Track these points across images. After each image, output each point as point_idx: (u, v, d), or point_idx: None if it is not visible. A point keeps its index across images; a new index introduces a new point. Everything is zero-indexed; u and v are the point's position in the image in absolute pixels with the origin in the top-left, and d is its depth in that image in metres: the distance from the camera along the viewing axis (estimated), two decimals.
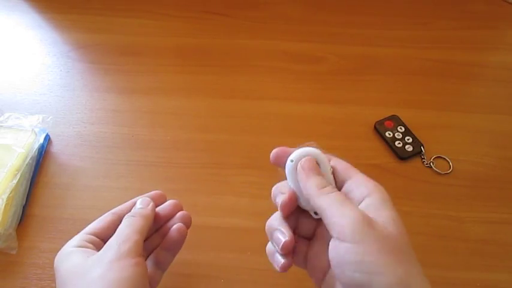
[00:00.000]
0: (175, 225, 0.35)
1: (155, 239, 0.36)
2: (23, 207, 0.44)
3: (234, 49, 0.61)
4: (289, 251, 0.29)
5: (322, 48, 0.61)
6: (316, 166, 0.30)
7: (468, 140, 0.51)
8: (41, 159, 0.48)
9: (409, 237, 0.42)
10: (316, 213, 0.29)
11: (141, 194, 0.45)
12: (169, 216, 0.36)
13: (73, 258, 0.30)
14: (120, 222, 0.33)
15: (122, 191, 0.46)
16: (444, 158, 0.49)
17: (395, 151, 0.49)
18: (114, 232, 0.32)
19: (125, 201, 0.45)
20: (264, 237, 0.43)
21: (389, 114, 0.52)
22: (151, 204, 0.35)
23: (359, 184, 0.28)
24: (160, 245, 0.35)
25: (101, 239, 0.33)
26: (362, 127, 0.52)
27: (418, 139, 0.50)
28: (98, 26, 0.64)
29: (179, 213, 0.37)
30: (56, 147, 0.50)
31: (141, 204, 0.35)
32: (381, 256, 0.24)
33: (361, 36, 0.63)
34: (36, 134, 0.48)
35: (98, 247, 0.31)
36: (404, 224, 0.43)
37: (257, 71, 0.58)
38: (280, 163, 0.32)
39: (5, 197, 0.41)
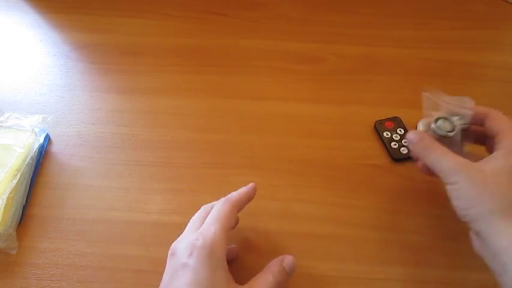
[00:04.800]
0: None
1: None
2: (23, 207, 0.44)
3: (234, 49, 0.61)
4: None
5: (322, 48, 0.61)
6: None
7: None
8: (41, 159, 0.48)
9: (410, 237, 0.43)
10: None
11: (141, 194, 0.46)
12: None
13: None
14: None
15: (122, 191, 0.46)
16: None
17: (389, 151, 0.49)
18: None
19: (125, 201, 0.45)
20: (264, 237, 0.43)
21: (389, 114, 0.52)
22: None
23: None
24: None
25: None
26: (362, 127, 0.52)
27: None
28: (98, 26, 0.64)
29: None
30: (56, 147, 0.50)
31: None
32: None
33: (361, 36, 0.63)
34: (36, 134, 0.48)
35: None
36: (405, 224, 0.44)
37: (257, 71, 0.58)
38: None
39: (5, 197, 0.41)
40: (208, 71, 0.58)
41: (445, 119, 0.39)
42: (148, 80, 0.57)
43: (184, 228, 0.37)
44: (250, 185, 0.39)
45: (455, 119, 0.38)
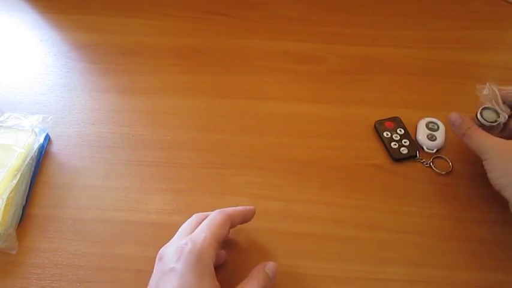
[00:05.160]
0: None
1: None
2: (23, 207, 0.44)
3: (234, 49, 0.61)
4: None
5: (322, 48, 0.61)
6: None
7: None
8: (41, 159, 0.48)
9: (410, 237, 0.43)
10: None
11: (141, 194, 0.46)
12: None
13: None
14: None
15: (122, 191, 0.46)
16: (444, 158, 0.49)
17: (389, 151, 0.49)
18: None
19: (125, 201, 0.45)
20: (264, 237, 0.43)
21: (389, 114, 0.53)
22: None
23: None
24: None
25: None
26: (362, 127, 0.52)
27: (416, 144, 0.50)
28: (98, 26, 0.64)
29: None
30: (56, 147, 0.50)
31: None
32: None
33: (361, 36, 0.63)
34: (36, 134, 0.48)
35: None
36: (405, 224, 0.44)
37: (257, 71, 0.58)
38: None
39: (5, 197, 0.41)
40: (208, 71, 0.58)
41: (491, 109, 0.44)
42: (148, 80, 0.57)
43: None
44: (249, 206, 0.39)
45: (500, 110, 0.44)
